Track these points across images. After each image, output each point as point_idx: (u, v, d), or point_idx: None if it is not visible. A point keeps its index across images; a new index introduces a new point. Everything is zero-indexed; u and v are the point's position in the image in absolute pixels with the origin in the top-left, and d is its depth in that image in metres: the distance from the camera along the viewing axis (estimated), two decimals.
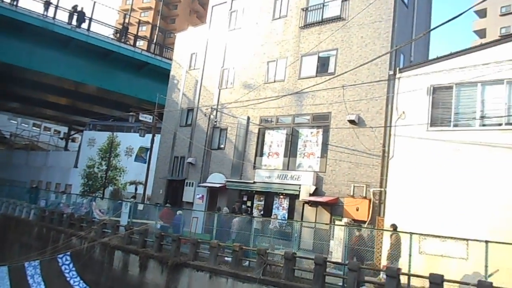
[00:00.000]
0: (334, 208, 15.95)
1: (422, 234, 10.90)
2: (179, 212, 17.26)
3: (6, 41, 26.27)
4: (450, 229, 11.11)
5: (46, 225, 20.40)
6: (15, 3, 26.56)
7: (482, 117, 12.29)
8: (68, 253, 13.51)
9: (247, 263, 12.62)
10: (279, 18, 20.32)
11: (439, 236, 10.69)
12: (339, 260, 11.88)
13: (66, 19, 28.57)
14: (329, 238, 12.97)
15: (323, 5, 18.57)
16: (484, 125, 12.23)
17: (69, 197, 25.28)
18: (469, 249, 10.11)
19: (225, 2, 23.40)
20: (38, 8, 27.76)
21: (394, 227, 11.99)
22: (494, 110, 12.13)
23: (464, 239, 10.15)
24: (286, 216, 17.28)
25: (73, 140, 55.75)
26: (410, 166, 13.22)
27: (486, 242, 9.35)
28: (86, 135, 41.81)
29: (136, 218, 17.82)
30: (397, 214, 12.98)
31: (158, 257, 14.07)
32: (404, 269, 10.02)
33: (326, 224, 14.69)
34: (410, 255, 10.41)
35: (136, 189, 31.66)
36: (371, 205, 14.87)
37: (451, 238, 10.41)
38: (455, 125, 12.73)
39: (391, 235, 11.66)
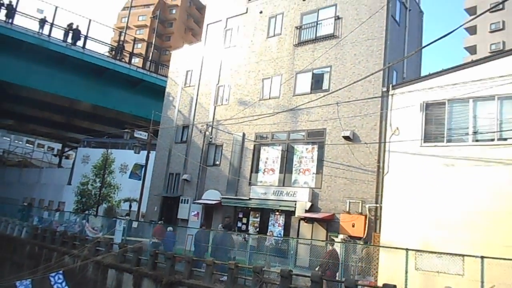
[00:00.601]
0: (330, 224, 15.90)
1: (418, 250, 10.89)
2: (169, 228, 17.27)
3: (1, 58, 26.34)
4: (446, 245, 11.10)
5: (39, 243, 20.14)
6: (10, 20, 26.71)
7: (475, 133, 12.42)
8: (61, 271, 13.30)
9: (243, 281, 12.48)
10: (274, 36, 20.59)
11: (435, 252, 10.69)
12: (336, 278, 11.79)
13: (61, 37, 28.74)
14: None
15: (317, 24, 18.87)
16: (477, 141, 12.36)
17: (62, 214, 25.01)
18: (465, 265, 10.10)
19: (220, 20, 23.70)
20: (34, 25, 27.98)
21: (365, 241, 13.85)
22: (486, 126, 12.28)
23: (460, 255, 10.13)
24: (282, 233, 17.19)
25: (67, 157, 55.47)
26: (405, 182, 13.26)
27: (482, 257, 9.36)
28: (80, 152, 41.64)
29: (130, 236, 17.64)
30: (393, 230, 12.98)
31: (152, 276, 13.89)
32: (400, 286, 9.96)
33: (322, 240, 14.60)
34: (406, 272, 10.34)
35: (130, 206, 31.42)
36: (367, 221, 14.85)
37: (447, 254, 10.40)
38: (448, 141, 12.85)
39: (362, 250, 12.58)
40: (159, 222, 19.32)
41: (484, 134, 12.26)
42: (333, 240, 13.82)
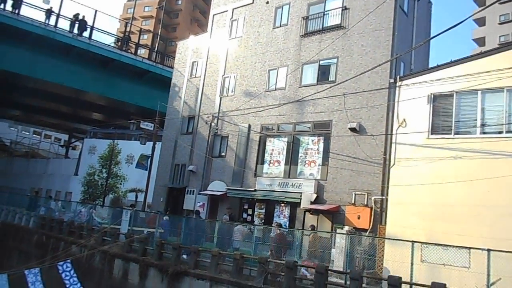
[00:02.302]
0: (335, 216, 15.90)
1: (423, 243, 10.85)
2: (165, 217, 17.61)
3: (8, 49, 26.42)
4: (452, 237, 11.06)
5: (46, 232, 20.34)
6: (16, 11, 26.72)
7: (483, 125, 12.30)
8: (69, 260, 13.44)
9: (248, 271, 12.54)
10: (280, 26, 20.44)
11: (440, 245, 10.64)
12: (341, 269, 11.83)
13: (67, 28, 28.74)
14: (330, 246, 12.91)
15: (324, 14, 18.68)
16: (484, 133, 12.24)
17: (69, 204, 25.23)
18: (471, 258, 10.06)
19: (226, 11, 23.56)
20: (40, 16, 27.96)
21: (313, 227, 14.85)
22: (494, 118, 12.16)
23: (466, 248, 10.08)
24: (287, 224, 17.22)
25: (74, 148, 55.79)
26: (411, 174, 13.19)
27: (488, 250, 9.33)
28: (87, 143, 41.85)
29: (137, 226, 17.77)
30: (399, 222, 12.94)
31: (158, 266, 14.00)
32: (406, 278, 9.96)
33: (328, 232, 14.62)
34: (411, 264, 10.35)
35: (136, 196, 31.61)
36: (373, 213, 14.83)
37: (453, 246, 10.35)
38: (456, 133, 12.73)
39: (309, 235, 13.43)
40: (153, 212, 19.42)
41: (492, 127, 12.15)
42: (357, 233, 13.87)
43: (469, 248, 10.00)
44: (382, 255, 12.25)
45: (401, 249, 11.02)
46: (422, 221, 12.39)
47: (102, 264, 16.06)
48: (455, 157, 12.39)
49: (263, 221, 17.34)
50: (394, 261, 11.10)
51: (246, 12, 22.39)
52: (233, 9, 23.19)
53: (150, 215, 18.64)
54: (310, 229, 14.52)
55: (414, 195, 12.88)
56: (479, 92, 12.39)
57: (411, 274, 10.22)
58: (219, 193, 20.14)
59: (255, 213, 18.68)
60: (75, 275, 12.75)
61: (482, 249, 9.41)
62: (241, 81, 21.43)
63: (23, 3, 27.20)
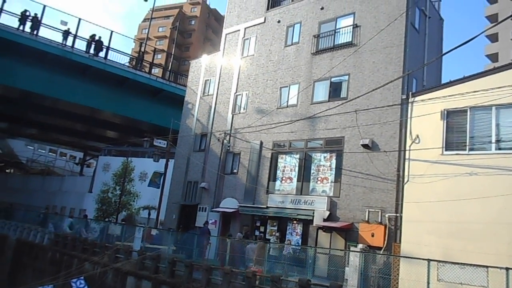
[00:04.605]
0: (348, 233, 15.70)
1: (440, 261, 10.63)
2: (155, 232, 18.92)
3: (26, 69, 27.12)
4: (469, 255, 10.82)
5: (60, 250, 20.45)
6: (35, 32, 27.53)
7: (498, 141, 12.15)
8: (82, 277, 13.48)
9: None
10: (291, 45, 20.66)
11: (457, 263, 10.41)
12: None
13: (84, 48, 29.46)
14: (344, 264, 12.72)
15: (335, 32, 18.85)
16: (500, 149, 12.07)
17: (83, 221, 25.41)
18: (489, 277, 9.81)
19: (238, 30, 23.94)
20: (57, 37, 28.71)
21: (260, 237, 16.50)
22: (509, 134, 11.99)
23: (484, 266, 9.86)
24: (300, 241, 17.05)
25: (88, 166, 56.42)
26: (425, 191, 13.02)
27: (507, 269, 9.11)
28: (101, 160, 42.28)
29: (149, 243, 17.79)
30: (414, 240, 12.73)
31: (171, 283, 13.91)
32: None
33: (341, 250, 14.43)
34: (428, 283, 10.15)
35: (149, 214, 31.64)
36: (387, 231, 14.61)
37: (470, 265, 10.13)
38: (471, 149, 12.59)
39: (258, 244, 14.37)
40: (149, 227, 20.66)
41: (508, 142, 11.98)
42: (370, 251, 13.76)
43: (487, 266, 9.77)
44: (397, 274, 12.02)
45: (416, 268, 10.82)
46: (437, 238, 12.17)
47: (115, 282, 16.03)
48: (470, 174, 12.23)
49: (278, 239, 17.11)
50: (409, 280, 10.89)
51: (258, 31, 22.72)
52: (245, 28, 23.56)
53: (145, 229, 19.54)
54: (259, 240, 15.67)
55: (428, 212, 12.69)
56: (493, 107, 12.29)
57: None
58: (231, 210, 20.10)
59: (268, 230, 18.55)
60: None
61: (501, 268, 9.17)
62: (253, 98, 21.60)
63: (41, 24, 28.03)
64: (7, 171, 61.53)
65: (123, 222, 21.27)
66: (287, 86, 20.13)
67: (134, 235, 18.22)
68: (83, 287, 12.82)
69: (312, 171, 17.97)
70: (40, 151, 61.26)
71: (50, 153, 63.73)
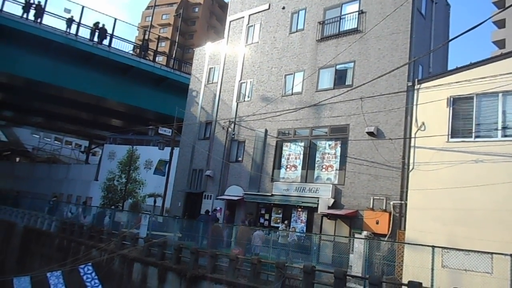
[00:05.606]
0: (353, 221, 15.76)
1: (444, 248, 10.66)
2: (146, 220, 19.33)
3: (30, 57, 27.13)
4: (474, 242, 10.85)
5: (67, 237, 20.71)
6: (39, 20, 27.44)
7: (504, 128, 12.07)
8: (90, 263, 13.66)
9: (265, 276, 12.52)
10: (296, 31, 20.49)
11: (462, 250, 10.43)
12: (359, 274, 11.71)
13: (88, 36, 29.38)
14: (348, 251, 12.80)
15: (340, 18, 18.66)
16: (506, 136, 12.00)
17: (89, 209, 25.68)
18: (493, 263, 9.84)
19: (242, 17, 23.75)
20: (61, 25, 28.63)
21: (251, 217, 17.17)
22: None
23: (488, 253, 9.88)
24: (305, 229, 17.14)
25: (94, 154, 56.74)
26: (430, 178, 13.00)
27: (511, 255, 9.10)
28: (106, 149, 42.53)
29: (155, 231, 17.95)
30: (418, 227, 12.76)
31: (177, 269, 14.10)
32: (426, 283, 9.79)
33: (346, 237, 14.50)
34: (432, 269, 10.17)
35: (155, 201, 31.92)
36: (392, 218, 14.64)
37: (475, 251, 10.16)
38: (477, 136, 12.52)
39: (240, 228, 14.90)
40: (141, 213, 21.04)
41: None
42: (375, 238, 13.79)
43: (492, 253, 9.79)
44: (402, 261, 12.09)
45: (421, 255, 10.85)
46: (442, 226, 12.19)
47: (122, 268, 16.25)
48: (476, 161, 12.18)
49: (287, 227, 17.15)
50: (414, 267, 10.93)
51: (262, 18, 22.53)
52: (249, 15, 23.37)
53: (137, 216, 20.05)
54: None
55: (433, 200, 12.69)
56: (500, 94, 12.18)
57: (432, 279, 10.04)
58: (236, 198, 20.21)
59: (272, 217, 18.66)
60: (96, 277, 12.94)
61: (505, 254, 9.19)
62: (258, 86, 21.53)
63: (45, 12, 27.93)
64: (14, 159, 62.01)
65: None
66: (291, 74, 20.03)
67: (140, 222, 18.42)
68: (91, 273, 12.99)
69: (317, 159, 17.97)
70: (45, 140, 61.65)
71: (55, 142, 64.11)
